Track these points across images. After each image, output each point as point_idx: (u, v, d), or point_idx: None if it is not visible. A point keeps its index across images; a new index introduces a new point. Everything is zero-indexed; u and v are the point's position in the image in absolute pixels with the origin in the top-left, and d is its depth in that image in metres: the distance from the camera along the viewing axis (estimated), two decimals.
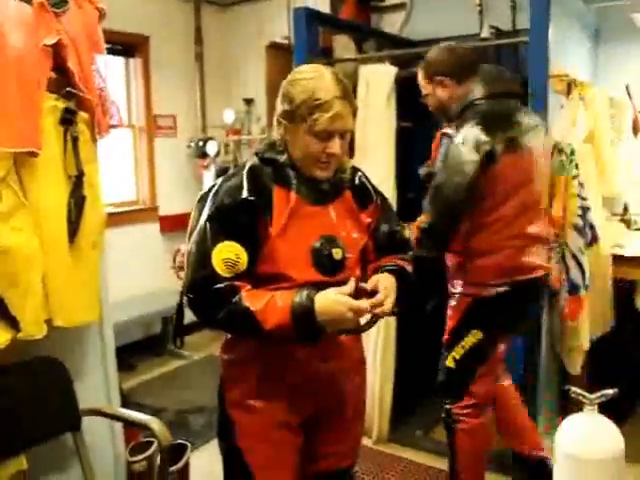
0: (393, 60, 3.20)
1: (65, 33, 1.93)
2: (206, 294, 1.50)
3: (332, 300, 1.47)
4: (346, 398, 1.74)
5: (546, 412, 2.88)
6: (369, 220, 1.72)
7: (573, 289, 2.72)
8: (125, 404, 2.56)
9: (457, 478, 2.44)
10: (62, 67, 1.94)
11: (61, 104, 1.94)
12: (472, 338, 2.33)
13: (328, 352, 1.65)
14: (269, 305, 1.47)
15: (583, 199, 2.72)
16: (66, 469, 2.15)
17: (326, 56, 3.46)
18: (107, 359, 2.31)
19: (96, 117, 2.05)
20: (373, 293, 1.55)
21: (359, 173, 1.76)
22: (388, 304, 1.55)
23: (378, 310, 1.54)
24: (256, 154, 1.65)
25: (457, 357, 2.35)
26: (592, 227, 2.81)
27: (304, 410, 1.68)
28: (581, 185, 2.72)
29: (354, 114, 1.58)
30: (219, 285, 1.49)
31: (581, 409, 1.77)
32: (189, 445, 2.37)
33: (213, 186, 1.62)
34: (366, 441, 3.09)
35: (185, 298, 1.56)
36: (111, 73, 2.13)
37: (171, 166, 5.10)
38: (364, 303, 1.50)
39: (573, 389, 1.83)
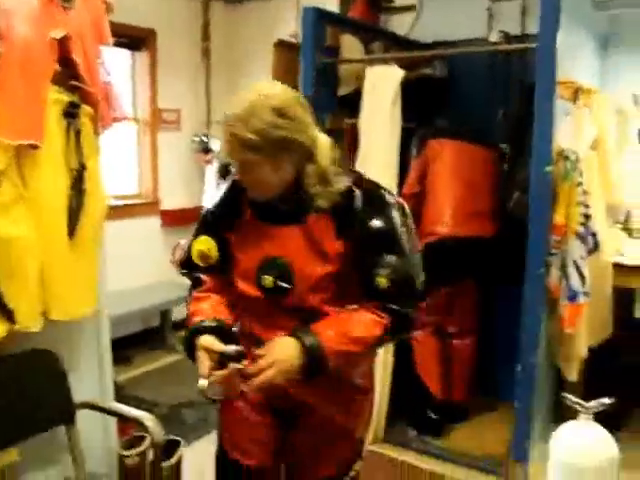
0: (398, 61, 3.18)
1: (71, 25, 1.92)
2: (186, 273, 1.74)
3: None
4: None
5: (541, 419, 2.87)
6: (341, 251, 1.52)
7: (572, 296, 2.70)
8: (119, 397, 2.55)
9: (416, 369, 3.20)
10: (67, 59, 1.94)
11: (65, 97, 1.94)
12: None
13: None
14: (194, 314, 1.63)
15: (586, 207, 2.70)
16: (57, 462, 2.15)
17: (333, 55, 3.44)
18: (102, 352, 2.31)
19: (100, 110, 2.05)
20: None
21: (357, 197, 1.52)
22: (261, 377, 1.43)
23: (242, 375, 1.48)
24: None
25: None
26: (594, 235, 2.79)
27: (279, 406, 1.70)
28: (585, 193, 2.70)
29: (249, 147, 1.42)
30: (191, 271, 1.72)
31: (576, 417, 1.76)
32: (182, 441, 2.36)
33: None
34: None
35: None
36: (117, 66, 2.13)
37: (174, 160, 5.08)
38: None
39: (569, 397, 1.82)
